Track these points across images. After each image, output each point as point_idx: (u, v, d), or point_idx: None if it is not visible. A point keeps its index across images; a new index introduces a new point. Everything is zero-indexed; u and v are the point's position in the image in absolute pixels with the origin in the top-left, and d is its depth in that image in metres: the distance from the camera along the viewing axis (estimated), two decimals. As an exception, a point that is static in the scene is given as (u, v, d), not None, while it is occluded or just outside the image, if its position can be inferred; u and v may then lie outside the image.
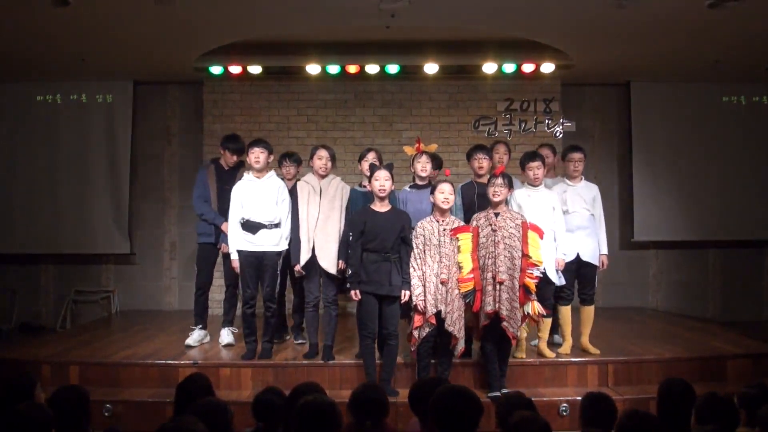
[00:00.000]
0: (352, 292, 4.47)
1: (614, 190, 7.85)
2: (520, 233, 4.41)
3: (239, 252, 4.78)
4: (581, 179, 5.07)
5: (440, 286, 4.36)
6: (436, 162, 5.20)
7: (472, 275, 4.37)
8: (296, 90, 7.40)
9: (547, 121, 7.42)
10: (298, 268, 4.82)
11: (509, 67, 7.09)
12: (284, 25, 5.92)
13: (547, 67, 7.05)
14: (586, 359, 4.83)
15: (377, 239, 4.40)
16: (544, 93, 7.42)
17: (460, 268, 4.39)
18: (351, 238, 4.53)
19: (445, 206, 4.42)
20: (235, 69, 7.04)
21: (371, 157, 5.01)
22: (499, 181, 4.43)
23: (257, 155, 4.78)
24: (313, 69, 7.02)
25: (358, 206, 4.93)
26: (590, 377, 4.77)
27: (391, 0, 5.25)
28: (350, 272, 4.50)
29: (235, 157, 5.26)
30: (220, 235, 5.14)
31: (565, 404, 4.42)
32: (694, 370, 4.64)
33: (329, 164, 4.91)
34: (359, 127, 7.43)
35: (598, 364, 4.79)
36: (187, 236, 7.60)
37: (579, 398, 4.00)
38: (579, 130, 7.62)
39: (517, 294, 4.37)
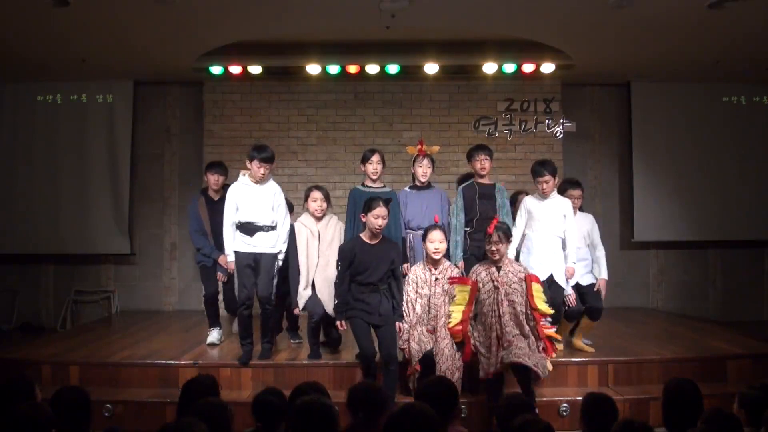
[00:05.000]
0: (338, 323, 4.45)
1: (614, 190, 7.86)
2: (523, 287, 4.21)
3: (236, 253, 4.75)
4: (576, 212, 5.05)
5: (427, 334, 4.29)
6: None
7: (460, 327, 4.23)
8: (296, 90, 7.40)
9: (547, 122, 7.42)
10: (297, 311, 4.83)
11: (509, 67, 7.09)
12: (284, 25, 5.92)
13: (547, 67, 7.05)
14: (587, 359, 4.83)
15: (366, 272, 4.35)
16: (544, 93, 7.42)
17: (449, 316, 4.29)
18: (339, 267, 4.44)
19: (437, 256, 4.34)
20: (235, 69, 7.04)
21: (375, 159, 4.98)
22: (495, 238, 4.21)
23: (264, 170, 4.67)
24: (313, 69, 7.02)
25: (360, 206, 4.93)
26: (590, 377, 4.77)
27: (390, 0, 5.25)
28: (336, 302, 4.43)
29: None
30: (217, 265, 5.24)
31: (565, 404, 4.42)
32: (694, 370, 4.62)
33: (324, 205, 4.84)
34: (359, 127, 7.43)
35: (598, 364, 4.79)
36: (187, 236, 7.57)
37: (579, 398, 4.00)
38: (579, 130, 7.62)
39: (537, 344, 4.17)
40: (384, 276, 4.39)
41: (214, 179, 5.37)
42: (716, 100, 7.66)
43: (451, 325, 4.26)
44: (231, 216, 4.74)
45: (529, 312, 4.20)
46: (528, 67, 7.09)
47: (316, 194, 4.84)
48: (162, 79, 7.43)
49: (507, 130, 7.42)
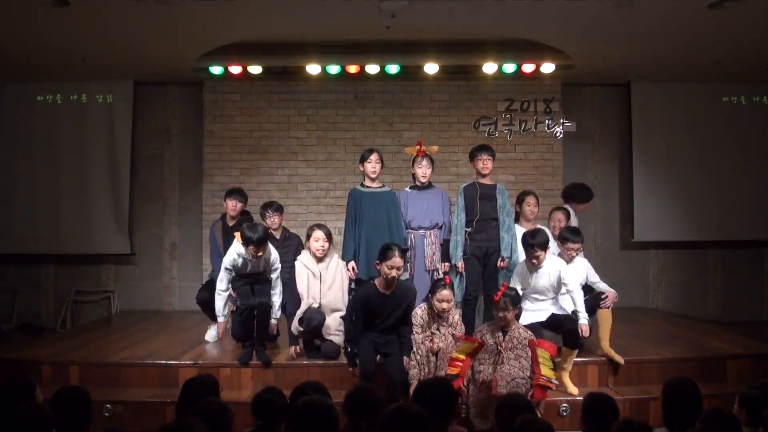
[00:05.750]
0: (351, 369, 4.40)
1: (614, 190, 7.86)
2: (528, 353, 4.17)
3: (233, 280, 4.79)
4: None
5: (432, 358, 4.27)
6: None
7: (460, 363, 4.15)
8: (296, 90, 7.40)
9: (547, 122, 7.42)
10: (293, 351, 4.78)
11: (509, 68, 7.09)
12: (284, 25, 5.92)
13: (547, 67, 7.05)
14: (587, 359, 4.82)
15: (380, 318, 4.31)
16: (544, 93, 7.42)
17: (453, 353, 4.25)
18: (353, 317, 4.36)
19: (442, 315, 4.32)
20: (235, 69, 7.03)
21: (374, 158, 5.01)
22: (502, 305, 4.21)
23: (262, 252, 4.62)
24: (313, 69, 7.01)
25: (360, 207, 4.95)
26: (590, 377, 4.77)
27: (390, 0, 5.25)
28: (349, 350, 4.36)
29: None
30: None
31: (565, 404, 4.41)
32: (694, 370, 4.61)
33: (326, 245, 4.78)
34: (359, 127, 7.42)
35: (598, 364, 4.78)
36: (187, 236, 7.61)
37: (579, 398, 4.01)
38: (579, 130, 7.61)
39: (529, 392, 4.10)
40: (399, 321, 4.34)
41: (231, 205, 5.40)
42: (716, 100, 7.65)
43: (455, 354, 4.21)
44: (224, 284, 4.75)
45: (531, 375, 4.14)
46: (528, 67, 7.08)
47: (318, 234, 4.76)
48: (162, 79, 7.43)
49: (507, 130, 7.42)
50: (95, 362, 4.86)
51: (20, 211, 7.45)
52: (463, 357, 4.18)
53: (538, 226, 5.27)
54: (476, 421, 4.16)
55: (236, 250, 4.68)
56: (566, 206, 5.70)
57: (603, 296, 4.85)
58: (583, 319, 4.51)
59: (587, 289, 4.94)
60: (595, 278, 4.97)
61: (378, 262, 4.32)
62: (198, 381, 3.21)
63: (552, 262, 4.64)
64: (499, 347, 4.20)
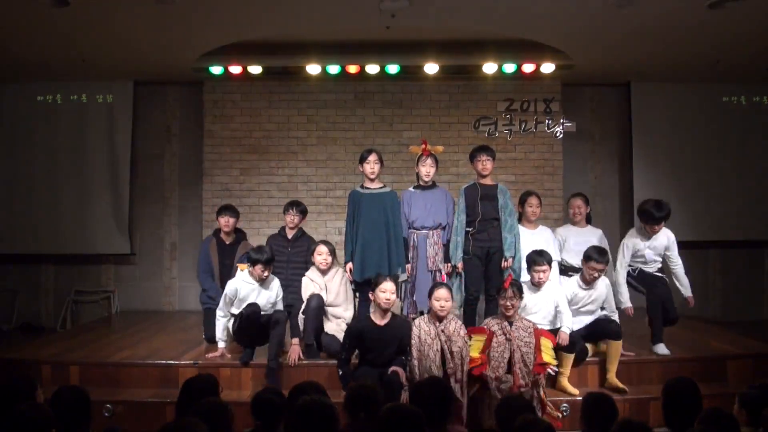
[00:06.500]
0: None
1: (614, 190, 7.85)
2: (533, 341, 4.34)
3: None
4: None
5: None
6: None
7: (479, 361, 4.25)
8: (296, 90, 7.39)
9: (547, 122, 7.42)
10: (297, 358, 4.73)
11: (509, 68, 7.08)
12: (284, 25, 5.92)
13: (547, 68, 7.04)
14: (587, 359, 4.82)
15: (373, 352, 4.31)
16: (544, 93, 7.41)
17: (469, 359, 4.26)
18: (344, 344, 4.36)
19: (441, 314, 4.29)
20: (235, 69, 7.03)
21: (372, 159, 5.02)
22: (510, 293, 4.34)
23: (268, 272, 4.69)
24: (313, 69, 7.01)
25: (359, 209, 4.97)
26: (590, 377, 4.77)
27: (391, 0, 5.25)
28: (341, 373, 4.33)
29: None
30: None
31: (565, 404, 4.42)
32: (694, 370, 4.62)
33: (329, 259, 4.91)
34: (359, 127, 7.42)
35: (597, 364, 4.79)
36: (187, 236, 7.61)
37: (579, 398, 4.00)
38: (579, 130, 7.61)
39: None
40: (393, 355, 4.32)
41: (224, 221, 5.44)
42: (716, 100, 7.64)
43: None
44: (225, 308, 4.76)
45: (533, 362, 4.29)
46: (528, 67, 7.07)
47: (322, 249, 4.92)
48: (162, 79, 7.42)
49: (507, 130, 7.41)
50: (95, 362, 4.87)
51: (20, 211, 7.45)
52: (477, 355, 4.25)
53: (541, 226, 5.28)
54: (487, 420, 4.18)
55: (241, 278, 4.74)
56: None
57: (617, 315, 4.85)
58: (566, 328, 4.55)
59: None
60: (610, 305, 4.90)
61: (372, 292, 4.35)
62: (198, 381, 3.21)
63: (552, 291, 4.67)
64: (508, 336, 4.31)
